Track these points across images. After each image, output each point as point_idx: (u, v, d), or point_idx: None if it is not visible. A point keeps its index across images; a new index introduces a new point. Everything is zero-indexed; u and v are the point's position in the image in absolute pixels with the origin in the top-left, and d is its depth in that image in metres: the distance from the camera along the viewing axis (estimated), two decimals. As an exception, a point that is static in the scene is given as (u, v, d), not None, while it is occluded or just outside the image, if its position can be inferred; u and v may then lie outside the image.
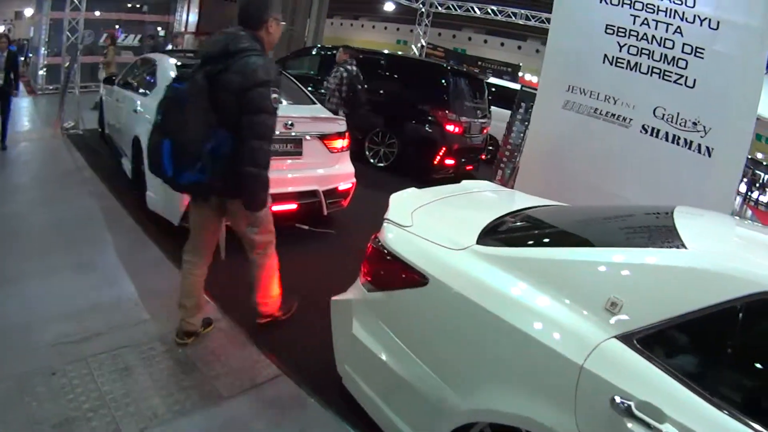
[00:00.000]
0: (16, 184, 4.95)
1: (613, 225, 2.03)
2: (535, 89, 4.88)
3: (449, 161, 6.96)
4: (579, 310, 1.42)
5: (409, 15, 27.22)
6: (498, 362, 1.53)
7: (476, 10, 14.88)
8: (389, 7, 18.66)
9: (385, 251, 1.83)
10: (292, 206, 3.95)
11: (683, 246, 1.48)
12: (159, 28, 12.27)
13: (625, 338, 1.33)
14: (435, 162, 6.88)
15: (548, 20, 14.67)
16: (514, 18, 14.35)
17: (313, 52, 8.89)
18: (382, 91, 7.20)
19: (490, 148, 8.76)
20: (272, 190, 2.32)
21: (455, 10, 15.09)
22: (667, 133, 3.66)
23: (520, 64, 20.27)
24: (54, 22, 10.77)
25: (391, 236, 1.86)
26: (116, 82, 5.88)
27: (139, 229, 3.87)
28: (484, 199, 2.56)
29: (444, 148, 6.82)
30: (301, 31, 12.04)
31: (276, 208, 3.09)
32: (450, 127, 6.85)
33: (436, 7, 14.88)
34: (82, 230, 3.83)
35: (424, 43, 15.10)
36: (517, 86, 9.46)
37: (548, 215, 2.22)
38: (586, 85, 3.98)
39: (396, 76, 7.55)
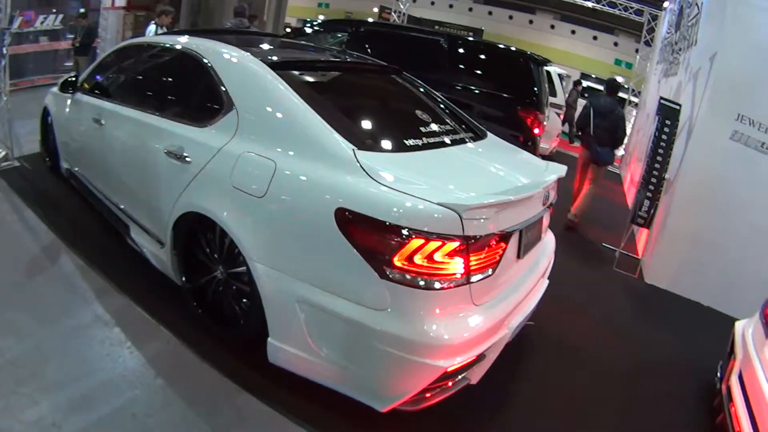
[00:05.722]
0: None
1: None
2: (679, 105, 4.34)
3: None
4: None
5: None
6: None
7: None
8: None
9: None
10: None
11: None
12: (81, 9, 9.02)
13: None
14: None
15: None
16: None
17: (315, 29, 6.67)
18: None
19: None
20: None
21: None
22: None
23: (483, 29, 18.42)
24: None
25: None
26: (79, 84, 3.57)
27: None
28: None
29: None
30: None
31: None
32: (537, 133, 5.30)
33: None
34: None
35: (404, 10, 12.99)
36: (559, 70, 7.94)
37: None
38: (757, 116, 3.74)
39: (463, 64, 5.63)
